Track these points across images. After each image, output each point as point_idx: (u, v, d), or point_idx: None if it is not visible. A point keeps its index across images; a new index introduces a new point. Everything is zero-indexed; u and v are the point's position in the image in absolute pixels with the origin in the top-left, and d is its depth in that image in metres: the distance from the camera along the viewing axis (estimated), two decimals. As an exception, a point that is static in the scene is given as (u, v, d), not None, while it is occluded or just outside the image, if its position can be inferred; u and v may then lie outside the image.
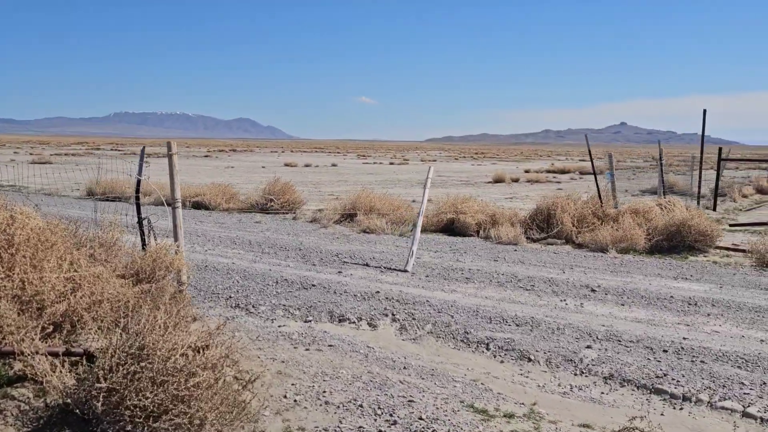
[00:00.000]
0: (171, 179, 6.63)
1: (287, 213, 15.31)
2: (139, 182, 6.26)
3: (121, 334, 4.28)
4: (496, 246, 11.32)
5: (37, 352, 4.17)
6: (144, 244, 6.29)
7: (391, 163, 51.34)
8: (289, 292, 7.63)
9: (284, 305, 7.05)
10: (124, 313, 4.73)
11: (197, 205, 16.67)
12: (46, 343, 4.46)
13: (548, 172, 40.87)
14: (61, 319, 4.70)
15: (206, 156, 59.74)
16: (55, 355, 4.25)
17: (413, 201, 16.58)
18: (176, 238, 6.60)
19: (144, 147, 6.37)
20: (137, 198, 6.30)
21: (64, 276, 4.82)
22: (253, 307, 6.99)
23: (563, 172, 41.40)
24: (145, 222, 6.16)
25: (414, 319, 6.63)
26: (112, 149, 77.09)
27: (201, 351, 4.19)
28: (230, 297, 7.35)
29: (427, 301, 7.27)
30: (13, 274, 4.63)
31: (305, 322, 6.59)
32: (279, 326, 6.35)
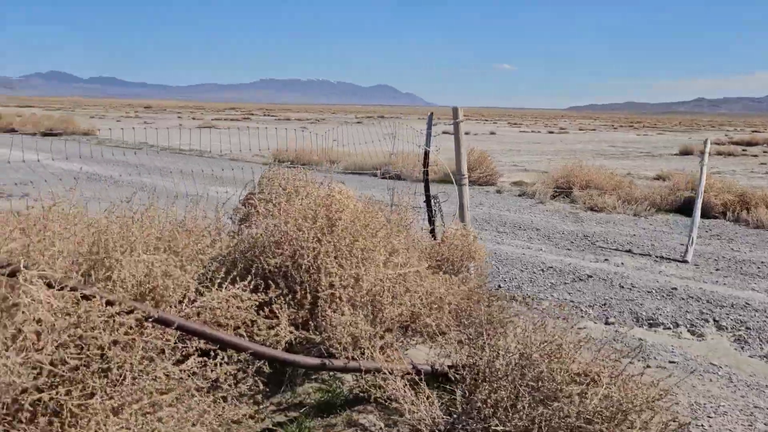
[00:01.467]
0: (457, 151, 5.85)
1: (485, 185, 14.37)
2: (426, 154, 5.51)
3: (490, 351, 3.50)
4: (760, 231, 9.69)
5: (391, 370, 3.49)
6: (433, 228, 5.56)
7: (551, 132, 48.89)
8: (565, 283, 6.67)
9: (571, 300, 6.10)
10: (468, 320, 3.99)
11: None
12: (383, 354, 3.82)
13: (733, 143, 36.72)
14: (399, 325, 4.05)
15: (358, 123, 60.23)
16: (416, 372, 3.57)
17: (628, 174, 15.03)
18: (462, 219, 5.84)
19: (431, 114, 5.57)
20: (426, 173, 5.56)
21: (394, 271, 4.15)
22: (533, 300, 6.11)
23: (749, 144, 37.08)
24: (434, 201, 5.42)
25: (748, 328, 5.44)
26: (264, 115, 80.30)
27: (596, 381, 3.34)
28: (499, 286, 6.53)
29: (747, 303, 6.03)
30: (345, 268, 3.99)
31: (606, 324, 5.60)
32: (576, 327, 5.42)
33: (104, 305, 3.19)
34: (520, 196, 12.97)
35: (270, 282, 3.92)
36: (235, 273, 3.78)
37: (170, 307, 3.68)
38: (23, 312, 2.99)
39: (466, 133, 5.76)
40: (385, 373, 3.43)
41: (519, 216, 10.64)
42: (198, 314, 3.64)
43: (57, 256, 3.44)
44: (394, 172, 12.71)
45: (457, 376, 3.48)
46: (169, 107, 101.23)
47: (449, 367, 3.75)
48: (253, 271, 3.83)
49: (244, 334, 3.54)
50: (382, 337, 3.87)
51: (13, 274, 3.21)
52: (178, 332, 3.21)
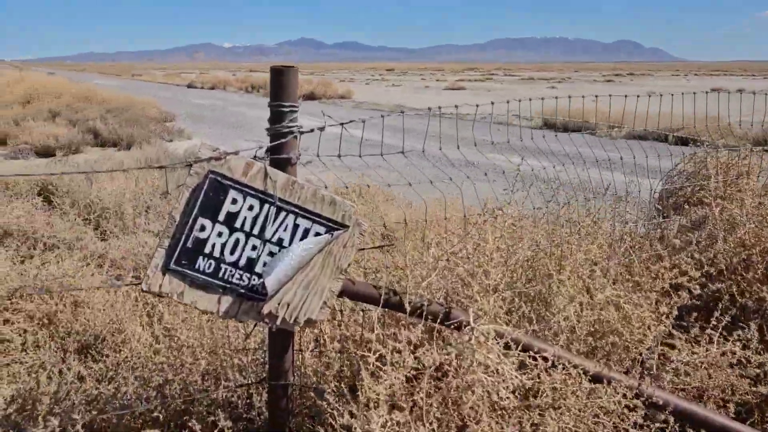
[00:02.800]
0: None
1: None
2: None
3: None
4: None
5: None
6: None
7: None
8: None
9: None
10: None
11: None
12: None
13: None
14: None
15: (608, 81, 55.57)
16: None
17: None
18: None
19: None
20: None
21: None
22: None
23: None
24: None
25: None
26: (505, 75, 78.25)
27: None
28: None
29: None
30: None
31: None
32: None
33: (583, 376, 2.16)
34: None
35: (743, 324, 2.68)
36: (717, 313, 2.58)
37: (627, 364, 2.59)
38: (473, 391, 2.06)
39: None
40: None
41: None
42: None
43: (489, 291, 2.48)
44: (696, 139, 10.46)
45: None
46: (410, 69, 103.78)
47: None
48: (721, 307, 2.61)
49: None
50: None
51: (454, 325, 2.31)
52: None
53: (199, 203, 2.11)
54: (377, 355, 2.21)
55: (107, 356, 3.18)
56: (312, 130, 2.27)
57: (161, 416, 2.55)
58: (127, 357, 3.10)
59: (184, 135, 15.36)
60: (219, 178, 2.12)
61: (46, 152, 11.61)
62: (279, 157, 2.23)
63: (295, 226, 2.22)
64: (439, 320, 2.27)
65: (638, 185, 3.66)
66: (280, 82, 2.19)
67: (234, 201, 2.14)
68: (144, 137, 13.56)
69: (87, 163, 10.10)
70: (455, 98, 30.04)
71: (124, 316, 3.61)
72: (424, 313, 2.29)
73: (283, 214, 2.20)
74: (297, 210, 2.21)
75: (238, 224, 2.16)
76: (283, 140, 2.21)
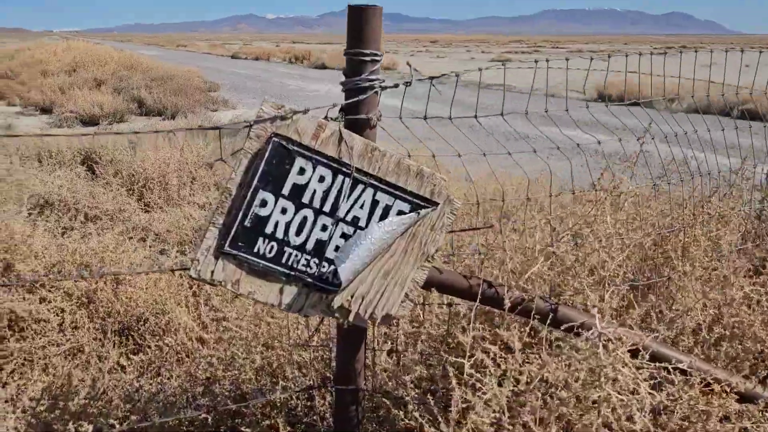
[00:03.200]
0: None
1: None
2: None
3: None
4: None
5: None
6: None
7: None
8: None
9: None
10: None
11: None
12: None
13: None
14: None
15: (662, 53, 53.36)
16: None
17: None
18: None
19: None
20: None
21: None
22: None
23: None
24: None
25: None
26: (552, 47, 76.11)
27: None
28: None
29: None
30: None
31: None
32: None
33: (729, 394, 1.73)
34: None
35: None
36: None
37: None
38: (600, 411, 1.65)
39: None
40: None
41: None
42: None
43: (606, 284, 2.06)
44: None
45: None
46: (454, 41, 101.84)
47: None
48: None
49: None
50: None
51: (567, 327, 1.89)
52: None
53: (260, 173, 1.71)
54: (472, 360, 1.81)
55: (149, 346, 2.86)
56: (396, 85, 1.85)
57: (210, 418, 2.21)
58: (170, 345, 2.77)
59: (228, 105, 15.10)
60: (284, 143, 1.72)
61: (91, 120, 11.45)
62: (356, 117, 1.81)
63: (374, 203, 1.81)
64: (549, 320, 1.85)
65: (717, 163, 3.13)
66: (359, 24, 1.77)
67: (301, 171, 1.75)
68: (189, 106, 13.33)
69: (129, 129, 9.88)
70: (501, 70, 29.16)
71: (168, 296, 3.29)
72: (532, 312, 1.87)
73: (360, 187, 1.79)
74: (376, 183, 1.80)
75: (306, 199, 1.76)
76: (362, 96, 1.79)
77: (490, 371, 1.74)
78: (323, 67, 34.46)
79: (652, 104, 14.61)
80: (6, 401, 2.13)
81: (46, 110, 12.46)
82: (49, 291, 3.22)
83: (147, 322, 3.22)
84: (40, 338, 3.01)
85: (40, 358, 2.89)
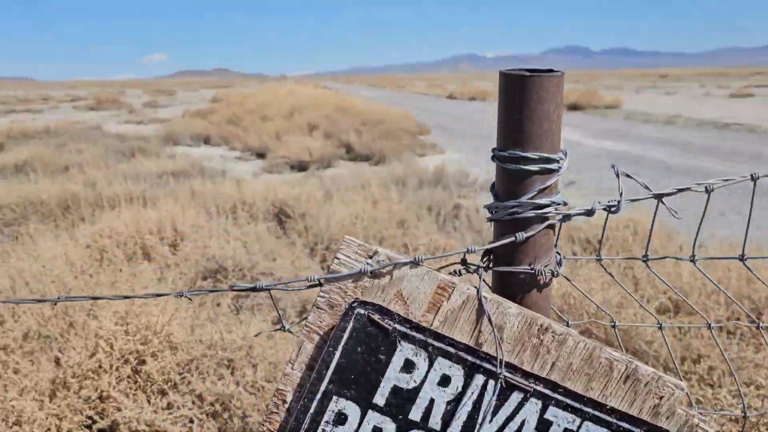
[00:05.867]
0: None
1: None
2: None
3: None
4: None
5: None
6: None
7: None
8: None
9: None
10: None
11: None
12: None
13: None
14: None
15: None
16: None
17: None
18: None
19: None
20: None
21: None
22: None
23: None
24: None
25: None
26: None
27: None
28: None
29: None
30: None
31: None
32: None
33: None
34: None
35: None
36: None
37: None
38: None
39: None
40: None
41: None
42: None
43: None
44: None
45: None
46: (685, 75, 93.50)
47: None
48: None
49: None
50: None
51: None
52: None
53: (332, 367, 0.98)
54: None
55: None
56: (590, 213, 1.01)
57: None
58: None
59: (436, 149, 14.74)
60: (377, 317, 0.97)
61: (300, 165, 11.74)
62: (512, 269, 1.01)
63: (543, 423, 0.98)
64: None
65: None
66: (518, 105, 0.97)
67: (408, 366, 0.98)
68: (396, 151, 13.17)
69: (333, 177, 9.85)
70: (743, 108, 25.45)
71: None
72: None
73: (516, 397, 0.98)
74: (548, 391, 0.98)
75: (416, 414, 0.99)
76: (524, 234, 0.98)
77: None
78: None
79: None
80: None
81: (261, 155, 13.09)
82: (177, 392, 2.80)
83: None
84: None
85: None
